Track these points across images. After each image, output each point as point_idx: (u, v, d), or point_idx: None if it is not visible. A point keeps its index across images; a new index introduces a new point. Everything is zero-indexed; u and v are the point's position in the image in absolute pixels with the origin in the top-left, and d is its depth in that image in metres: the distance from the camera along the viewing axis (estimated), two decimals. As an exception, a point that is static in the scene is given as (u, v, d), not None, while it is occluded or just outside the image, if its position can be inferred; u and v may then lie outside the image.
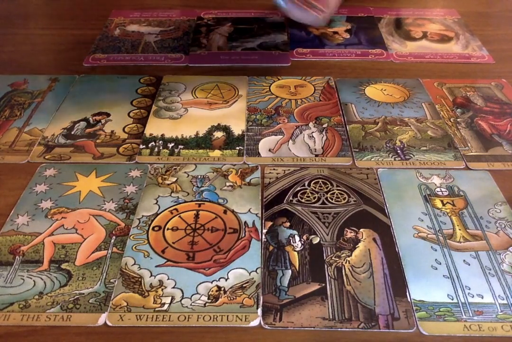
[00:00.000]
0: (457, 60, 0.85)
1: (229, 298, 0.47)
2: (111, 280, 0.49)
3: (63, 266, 0.50)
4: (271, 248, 0.52)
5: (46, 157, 0.64)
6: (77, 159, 0.64)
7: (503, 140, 0.67)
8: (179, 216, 0.56)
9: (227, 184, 0.60)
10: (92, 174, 0.61)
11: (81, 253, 0.52)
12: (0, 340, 0.44)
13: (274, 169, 0.62)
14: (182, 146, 0.65)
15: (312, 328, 0.45)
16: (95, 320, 0.46)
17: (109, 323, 0.45)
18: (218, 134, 0.68)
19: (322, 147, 0.65)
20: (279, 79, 0.79)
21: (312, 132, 0.68)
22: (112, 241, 0.53)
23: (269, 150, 0.65)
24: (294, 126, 0.69)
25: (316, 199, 0.58)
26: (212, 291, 0.48)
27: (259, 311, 0.46)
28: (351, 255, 0.51)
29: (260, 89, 0.77)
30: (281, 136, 0.67)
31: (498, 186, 0.60)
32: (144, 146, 0.65)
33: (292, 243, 0.52)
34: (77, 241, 0.53)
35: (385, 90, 0.77)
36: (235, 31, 0.93)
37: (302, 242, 0.53)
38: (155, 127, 0.69)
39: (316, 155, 0.64)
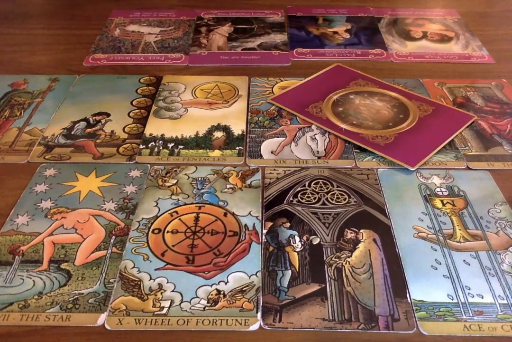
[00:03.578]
0: (457, 60, 0.85)
1: (228, 302, 0.47)
2: (111, 280, 0.49)
3: (63, 266, 0.50)
4: (271, 248, 0.52)
5: (46, 157, 0.64)
6: (77, 159, 0.63)
7: (503, 140, 0.67)
8: (179, 219, 0.55)
9: (228, 186, 0.60)
10: (92, 174, 0.61)
11: (81, 253, 0.52)
12: (0, 340, 0.44)
13: (274, 169, 0.62)
14: (182, 146, 0.65)
15: (312, 329, 0.45)
16: (94, 320, 0.45)
17: (108, 327, 0.45)
18: (218, 134, 0.68)
19: (325, 150, 0.65)
20: (281, 81, 0.79)
21: (315, 134, 0.67)
22: (112, 241, 0.53)
23: (272, 152, 0.65)
24: (297, 128, 0.69)
25: (316, 200, 0.58)
26: (211, 294, 0.48)
27: (259, 315, 0.46)
28: (351, 256, 0.51)
29: (262, 90, 0.77)
30: (284, 138, 0.67)
31: (498, 186, 0.60)
32: (144, 146, 0.65)
33: (292, 244, 0.52)
34: (77, 241, 0.53)
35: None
36: (235, 31, 0.93)
37: (302, 243, 0.53)
38: (155, 127, 0.69)
39: (319, 158, 0.64)
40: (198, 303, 0.47)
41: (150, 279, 0.49)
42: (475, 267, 0.50)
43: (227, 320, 0.46)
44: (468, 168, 0.62)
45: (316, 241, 0.53)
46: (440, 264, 0.51)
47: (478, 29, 0.94)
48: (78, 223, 0.55)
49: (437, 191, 0.59)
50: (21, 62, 0.84)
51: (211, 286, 0.48)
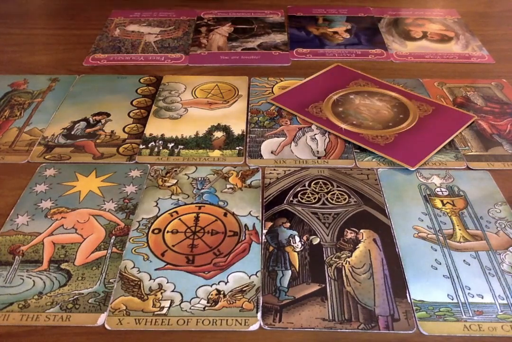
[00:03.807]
0: (457, 60, 0.85)
1: (228, 302, 0.47)
2: (111, 280, 0.49)
3: (63, 266, 0.50)
4: (271, 248, 0.52)
5: (46, 157, 0.64)
6: (77, 159, 0.63)
7: (503, 140, 0.67)
8: (179, 219, 0.55)
9: (228, 186, 0.60)
10: (92, 174, 0.61)
11: (81, 253, 0.52)
12: (0, 340, 0.44)
13: (274, 169, 0.62)
14: (182, 146, 0.65)
15: (312, 329, 0.45)
16: (95, 320, 0.45)
17: (108, 327, 0.45)
18: (218, 134, 0.68)
19: (325, 149, 0.65)
20: (281, 81, 0.79)
21: (315, 134, 0.67)
22: (112, 241, 0.53)
23: (272, 152, 0.65)
24: (297, 128, 0.69)
25: (316, 200, 0.58)
26: (211, 294, 0.48)
27: (259, 315, 0.46)
28: (351, 256, 0.51)
29: (262, 90, 0.77)
30: (284, 138, 0.67)
31: (498, 186, 0.60)
32: (144, 146, 0.65)
33: (292, 244, 0.52)
34: (77, 240, 0.53)
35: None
36: (235, 31, 0.93)
37: (302, 243, 0.53)
38: (155, 127, 0.69)
39: (319, 158, 0.64)
40: (198, 303, 0.47)
41: (150, 279, 0.49)
42: (475, 267, 0.50)
43: (227, 320, 0.46)
44: (468, 168, 0.62)
45: (316, 241, 0.53)
46: (440, 264, 0.51)
47: (478, 29, 0.94)
48: (78, 223, 0.55)
49: (437, 191, 0.59)
50: (21, 62, 0.84)
51: (211, 286, 0.48)
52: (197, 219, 0.55)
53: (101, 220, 0.55)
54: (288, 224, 0.55)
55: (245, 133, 0.68)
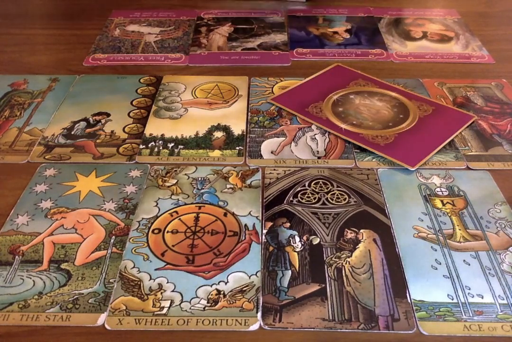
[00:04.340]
0: (457, 60, 0.85)
1: (228, 302, 0.47)
2: (111, 280, 0.49)
3: (63, 266, 0.50)
4: (271, 248, 0.52)
5: (46, 157, 0.64)
6: (77, 159, 0.63)
7: (503, 140, 0.67)
8: (179, 219, 0.55)
9: (228, 186, 0.60)
10: (92, 174, 0.61)
11: (81, 253, 0.52)
12: (0, 340, 0.44)
13: (274, 169, 0.62)
14: (182, 146, 0.65)
15: (312, 329, 0.45)
16: (94, 320, 0.45)
17: (108, 327, 0.45)
18: (218, 134, 0.68)
19: (325, 149, 0.65)
20: (281, 81, 0.79)
21: (315, 134, 0.67)
22: (112, 241, 0.53)
23: (272, 152, 0.65)
24: (297, 128, 0.69)
25: (316, 200, 0.58)
26: (211, 294, 0.48)
27: (259, 315, 0.46)
28: (351, 256, 0.51)
29: (262, 90, 0.77)
30: (284, 138, 0.67)
31: (498, 186, 0.60)
32: (144, 146, 0.65)
33: (292, 244, 0.52)
34: (77, 240, 0.53)
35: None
36: (235, 31, 0.93)
37: (302, 243, 0.53)
38: (155, 127, 0.69)
39: (319, 158, 0.64)
40: (198, 303, 0.47)
41: (150, 279, 0.49)
42: (475, 267, 0.50)
43: (227, 320, 0.46)
44: (468, 168, 0.62)
45: (316, 241, 0.53)
46: (440, 264, 0.51)
47: (478, 29, 0.94)
48: (78, 223, 0.55)
49: (437, 191, 0.59)
50: (21, 62, 0.84)
51: (211, 286, 0.48)
52: (197, 219, 0.55)
53: (101, 220, 0.55)
54: (288, 224, 0.55)
55: (245, 133, 0.68)
